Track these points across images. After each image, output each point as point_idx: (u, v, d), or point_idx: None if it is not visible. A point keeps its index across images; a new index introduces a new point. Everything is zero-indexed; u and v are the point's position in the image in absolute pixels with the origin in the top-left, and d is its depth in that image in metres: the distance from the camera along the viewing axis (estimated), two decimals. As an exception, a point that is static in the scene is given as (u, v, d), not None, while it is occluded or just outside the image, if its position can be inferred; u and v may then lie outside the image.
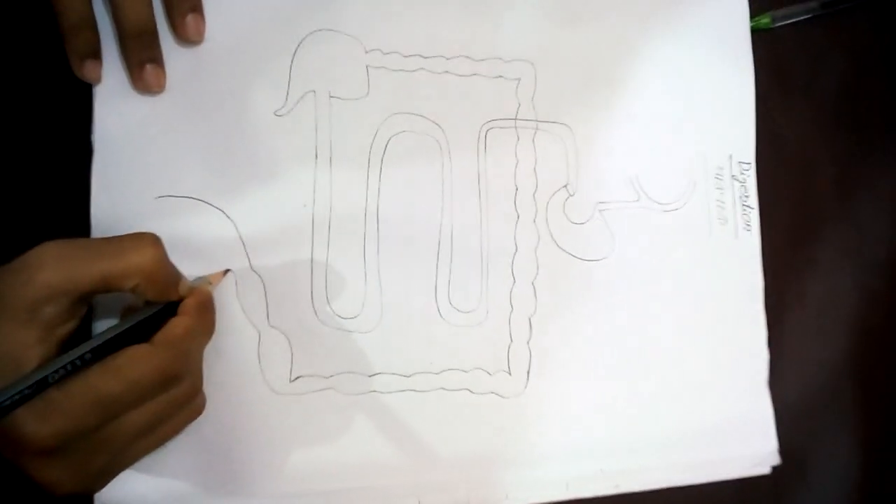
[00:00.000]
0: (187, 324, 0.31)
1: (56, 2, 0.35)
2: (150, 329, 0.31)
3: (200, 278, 0.35)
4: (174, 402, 0.31)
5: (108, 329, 0.30)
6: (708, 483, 0.41)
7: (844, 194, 0.46)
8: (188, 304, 0.32)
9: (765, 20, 0.46)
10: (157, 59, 0.36)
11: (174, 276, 0.32)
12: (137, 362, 0.29)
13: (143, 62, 0.36)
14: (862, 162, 0.47)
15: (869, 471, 0.44)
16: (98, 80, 0.36)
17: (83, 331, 0.32)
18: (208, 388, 0.35)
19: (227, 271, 0.36)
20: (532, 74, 0.42)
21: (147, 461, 0.34)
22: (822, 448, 0.44)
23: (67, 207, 0.36)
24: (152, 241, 0.31)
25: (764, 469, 0.42)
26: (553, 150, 0.41)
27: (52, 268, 0.28)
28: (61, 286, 0.28)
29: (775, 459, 0.42)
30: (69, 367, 0.28)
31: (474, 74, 0.41)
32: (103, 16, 0.37)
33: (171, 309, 0.32)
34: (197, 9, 0.37)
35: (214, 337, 0.36)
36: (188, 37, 0.37)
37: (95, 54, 0.36)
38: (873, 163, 0.47)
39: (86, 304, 0.31)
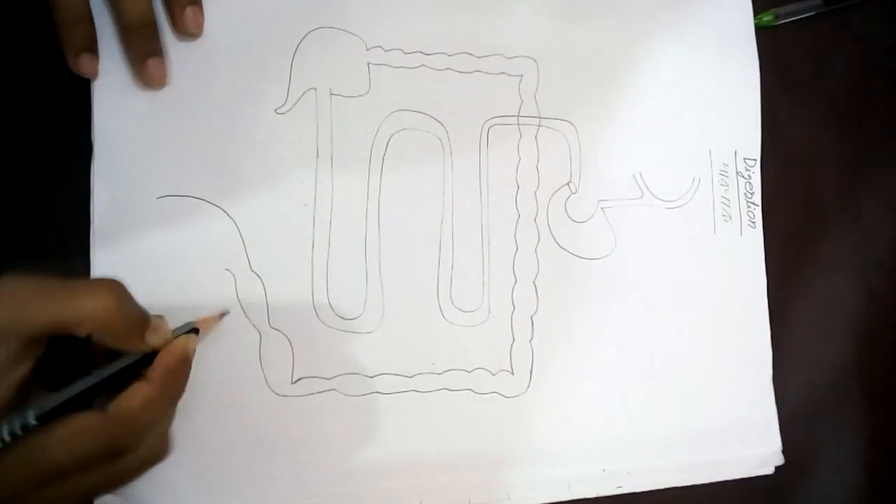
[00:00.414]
0: (146, 394, 0.28)
1: None
2: (118, 383, 0.28)
3: (191, 323, 0.33)
4: (124, 469, 0.29)
5: (66, 389, 0.28)
6: (711, 483, 0.41)
7: (849, 192, 0.46)
8: (156, 369, 0.29)
9: (767, 17, 0.45)
10: (158, 53, 0.36)
11: (138, 325, 0.29)
12: (84, 436, 0.26)
13: (145, 56, 0.35)
14: (867, 160, 0.46)
15: (873, 472, 0.44)
16: (95, 74, 0.36)
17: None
18: (209, 390, 0.35)
19: (223, 315, 0.35)
20: (535, 71, 0.41)
21: None
22: (825, 449, 0.44)
23: (68, 207, 0.36)
24: (110, 287, 0.28)
25: (767, 470, 0.42)
26: (556, 148, 0.41)
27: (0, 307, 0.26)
28: (8, 328, 0.26)
29: (779, 460, 0.42)
30: (7, 439, 0.26)
31: (476, 71, 0.40)
32: (102, 11, 0.36)
33: (142, 362, 0.29)
34: (196, 2, 0.36)
35: (215, 339, 0.36)
36: (187, 30, 0.36)
37: (91, 49, 0.35)
38: (878, 161, 0.47)
39: (42, 345, 0.28)
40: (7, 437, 0.25)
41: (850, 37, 0.47)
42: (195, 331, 0.32)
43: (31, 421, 0.26)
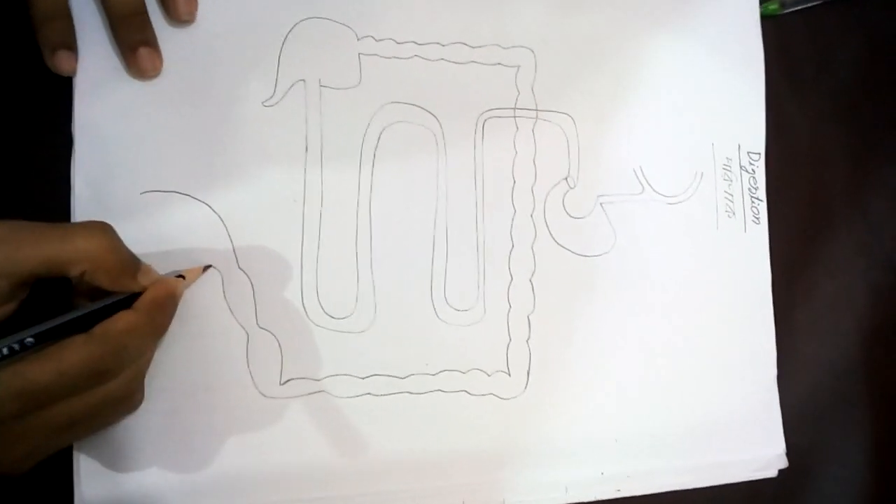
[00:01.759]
0: (131, 320, 0.30)
1: None
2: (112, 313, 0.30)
3: (175, 272, 0.34)
4: (105, 399, 0.30)
5: (57, 317, 0.29)
6: (712, 487, 0.40)
7: (856, 188, 0.45)
8: (142, 299, 0.31)
9: (773, 6, 0.45)
10: (150, 42, 0.35)
11: (130, 265, 0.31)
12: (68, 353, 0.27)
13: (135, 45, 0.35)
14: (875, 154, 0.46)
15: (879, 475, 0.44)
16: (72, 71, 0.35)
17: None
18: (196, 391, 0.34)
19: (207, 268, 0.35)
20: (532, 61, 0.40)
21: (132, 465, 0.34)
22: (830, 451, 0.43)
23: (49, 203, 0.35)
24: (102, 227, 0.30)
25: (771, 473, 0.41)
26: (553, 141, 0.40)
27: None
28: (3, 266, 0.27)
29: (783, 463, 0.42)
30: (5, 351, 0.27)
31: (471, 62, 0.40)
32: (86, 1, 0.35)
33: (129, 301, 0.31)
34: None
35: (201, 339, 0.35)
36: (179, 16, 0.36)
37: (69, 45, 0.35)
38: (886, 154, 0.46)
39: (27, 288, 0.30)
40: (5, 351, 0.27)
41: (856, 25, 0.46)
42: (181, 278, 0.34)
43: (29, 339, 0.28)
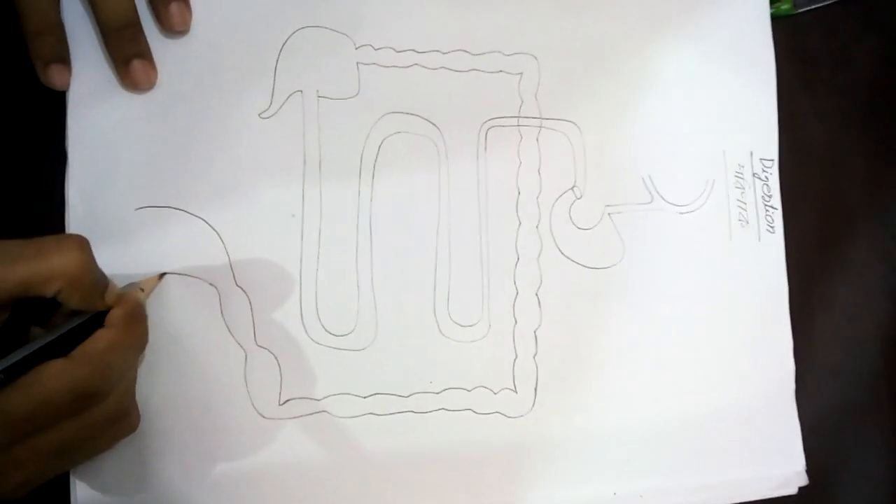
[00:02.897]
0: (111, 336, 0.29)
1: (18, 5, 0.33)
2: (77, 343, 0.29)
3: (131, 284, 0.33)
4: (95, 423, 0.29)
5: (29, 344, 0.28)
6: (729, 506, 0.39)
7: (875, 193, 0.44)
8: (114, 315, 0.30)
9: (786, 6, 0.44)
10: (144, 54, 0.35)
11: (102, 283, 0.30)
12: (50, 379, 0.27)
13: (129, 58, 0.34)
14: (893, 157, 0.45)
15: (904, 491, 0.43)
16: (65, 85, 0.34)
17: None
18: (192, 412, 0.34)
19: (162, 275, 0.34)
20: (535, 68, 0.40)
21: (129, 488, 0.33)
22: (852, 467, 0.42)
23: (43, 219, 0.35)
24: (77, 243, 0.29)
25: (790, 490, 0.40)
26: (559, 150, 0.39)
27: None
28: None
29: (802, 480, 0.40)
30: None
31: (473, 69, 0.39)
32: (80, 12, 0.35)
33: (98, 320, 0.30)
34: None
35: (197, 358, 0.34)
36: (173, 27, 0.35)
37: (62, 59, 0.34)
38: (905, 158, 0.45)
39: (7, 309, 0.29)
40: None
41: (874, 25, 0.45)
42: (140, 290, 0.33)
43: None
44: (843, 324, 0.43)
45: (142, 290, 0.33)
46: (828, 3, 0.44)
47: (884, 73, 0.45)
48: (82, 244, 0.29)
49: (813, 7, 0.44)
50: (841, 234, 0.43)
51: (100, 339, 0.29)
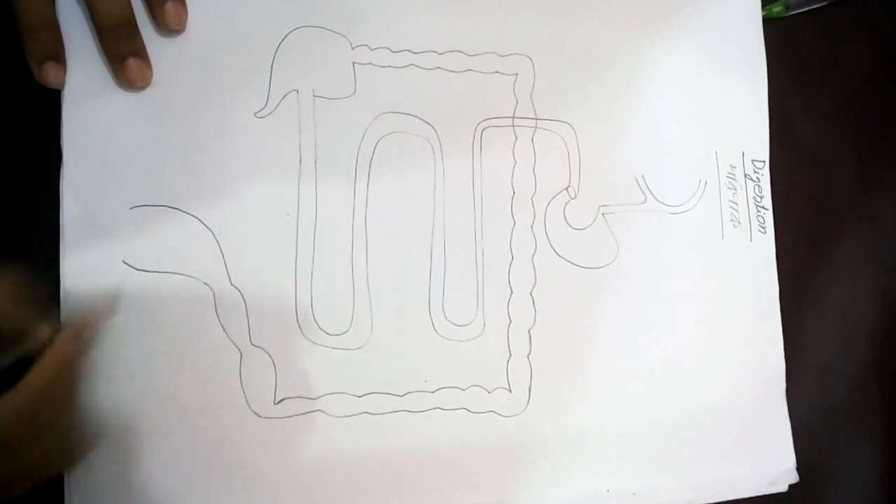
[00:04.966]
0: (36, 387, 0.27)
1: (12, 3, 0.33)
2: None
3: (65, 327, 0.32)
4: (28, 461, 0.28)
5: None
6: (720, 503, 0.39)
7: (865, 193, 0.45)
8: (43, 365, 0.28)
9: (777, 8, 0.44)
10: (139, 52, 0.35)
11: (31, 314, 0.29)
12: None
13: (124, 56, 0.34)
14: (884, 158, 0.45)
15: (893, 488, 0.43)
16: (60, 84, 0.34)
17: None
18: (186, 412, 0.34)
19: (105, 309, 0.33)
20: (530, 69, 0.40)
21: (124, 488, 0.33)
22: (841, 464, 0.42)
23: (37, 217, 0.34)
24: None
25: (781, 487, 0.40)
26: (553, 150, 0.39)
27: None
28: None
29: (793, 477, 0.41)
30: None
31: (468, 70, 0.39)
32: (75, 11, 0.35)
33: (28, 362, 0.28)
34: None
35: (192, 357, 0.34)
36: (168, 25, 0.35)
37: (57, 57, 0.34)
38: (894, 158, 0.45)
39: None
40: None
41: (865, 27, 0.46)
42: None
43: None
44: (834, 323, 0.43)
45: (82, 326, 0.31)
46: (819, 5, 0.44)
47: (873, 74, 0.45)
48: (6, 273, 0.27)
49: (805, 9, 0.44)
50: (831, 235, 0.44)
51: (23, 389, 0.27)
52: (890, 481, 0.42)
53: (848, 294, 0.44)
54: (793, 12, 0.44)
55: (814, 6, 0.44)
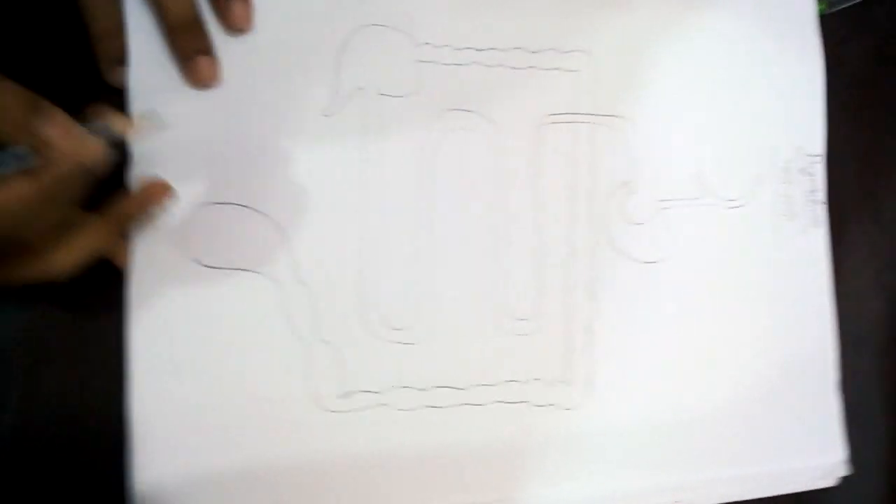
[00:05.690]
0: (23, 187, 0.26)
1: (85, 9, 0.33)
2: None
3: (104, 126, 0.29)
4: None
5: None
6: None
7: (866, 190, 0.44)
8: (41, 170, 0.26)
9: (821, 6, 0.44)
10: (208, 50, 0.34)
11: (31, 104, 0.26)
12: None
13: (192, 54, 0.34)
14: (887, 155, 0.45)
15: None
16: (126, 85, 0.34)
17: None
18: (251, 407, 0.34)
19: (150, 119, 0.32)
20: (590, 65, 0.40)
21: (188, 482, 0.33)
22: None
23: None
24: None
25: (830, 481, 0.41)
26: (613, 146, 0.39)
27: None
28: None
29: (843, 470, 0.41)
30: None
31: (530, 67, 0.39)
32: (142, 12, 0.34)
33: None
34: None
35: (257, 351, 0.34)
36: (234, 24, 0.35)
37: (123, 60, 0.34)
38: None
39: None
40: None
41: (867, 27, 0.45)
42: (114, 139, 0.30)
43: None
44: (838, 321, 0.42)
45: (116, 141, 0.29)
46: (853, 3, 0.44)
47: (876, 72, 0.45)
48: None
49: (845, 6, 0.44)
50: (833, 232, 0.43)
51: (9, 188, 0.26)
52: (893, 479, 0.43)
53: (852, 292, 0.43)
54: (834, 9, 0.44)
55: (850, 3, 0.44)
